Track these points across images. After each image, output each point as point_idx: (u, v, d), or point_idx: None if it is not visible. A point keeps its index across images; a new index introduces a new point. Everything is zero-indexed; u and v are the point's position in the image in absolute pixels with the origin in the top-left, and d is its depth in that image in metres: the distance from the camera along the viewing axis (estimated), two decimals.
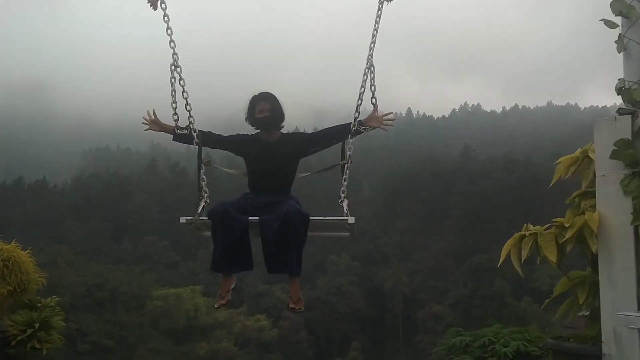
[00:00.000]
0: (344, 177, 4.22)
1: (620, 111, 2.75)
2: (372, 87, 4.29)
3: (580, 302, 2.94)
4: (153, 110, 4.47)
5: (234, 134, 4.52)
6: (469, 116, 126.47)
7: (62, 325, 4.11)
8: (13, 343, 3.90)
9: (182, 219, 4.18)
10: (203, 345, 39.26)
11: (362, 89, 4.27)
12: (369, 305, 51.20)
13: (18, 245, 4.15)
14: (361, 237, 49.20)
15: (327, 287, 49.55)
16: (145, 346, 38.04)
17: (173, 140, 4.44)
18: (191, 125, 4.34)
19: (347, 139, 4.27)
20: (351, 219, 3.96)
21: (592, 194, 2.89)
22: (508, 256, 3.00)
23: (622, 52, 2.81)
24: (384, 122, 4.29)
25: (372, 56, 4.30)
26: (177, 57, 4.31)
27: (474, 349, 4.10)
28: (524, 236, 2.93)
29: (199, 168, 4.35)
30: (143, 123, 4.47)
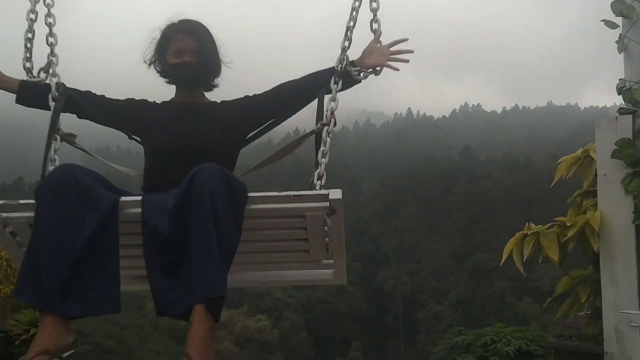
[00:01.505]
0: (322, 149, 2.29)
1: (621, 111, 2.78)
2: (374, 3, 2.51)
3: (582, 301, 2.96)
4: None
5: (130, 98, 2.64)
6: (469, 116, 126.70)
7: None
8: (17, 342, 3.91)
9: None
10: None
11: (352, 23, 2.52)
12: (370, 306, 51.27)
13: None
14: (361, 237, 49.31)
15: (327, 288, 49.55)
16: (146, 347, 38.10)
17: (17, 101, 2.62)
18: (51, 70, 2.57)
19: (331, 90, 2.44)
20: (335, 193, 2.03)
21: (593, 193, 2.92)
22: (509, 256, 3.03)
23: (622, 53, 2.84)
24: (392, 57, 2.53)
25: None
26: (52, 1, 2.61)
27: (475, 348, 4.11)
28: (526, 235, 2.95)
29: (49, 141, 2.46)
30: None
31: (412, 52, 2.58)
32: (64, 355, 2.16)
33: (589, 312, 3.09)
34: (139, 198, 2.06)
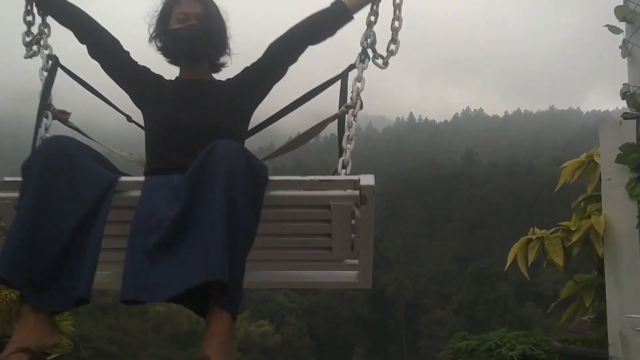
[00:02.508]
0: (347, 134, 2.06)
1: (625, 116, 2.79)
2: None
3: (587, 305, 2.96)
4: None
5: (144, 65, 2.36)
6: (471, 120, 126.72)
7: (71, 331, 4.14)
8: None
9: None
10: None
11: None
12: (372, 310, 51.19)
13: None
14: None
15: (330, 292, 49.49)
16: (148, 352, 38.06)
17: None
18: (42, 41, 2.38)
19: (340, 21, 2.29)
20: (366, 178, 1.73)
21: (597, 198, 2.92)
22: (512, 260, 3.03)
23: (626, 58, 2.85)
24: None
25: None
26: None
27: (479, 352, 4.11)
28: (530, 240, 2.95)
29: (40, 118, 2.24)
30: None
31: None
32: (48, 359, 1.72)
33: (592, 316, 3.10)
34: (141, 178, 1.78)
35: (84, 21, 2.34)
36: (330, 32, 2.33)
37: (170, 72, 2.39)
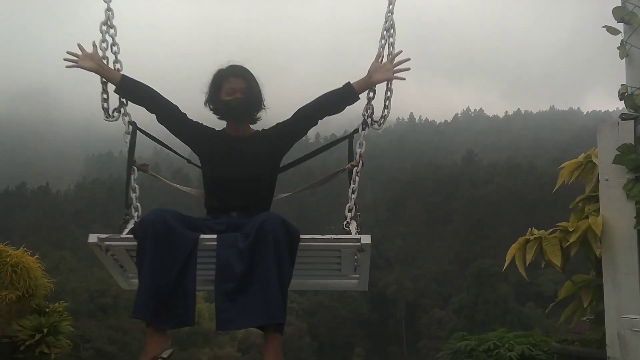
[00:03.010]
0: (352, 187, 2.93)
1: (623, 116, 2.79)
2: (391, 48, 3.07)
3: (585, 306, 2.97)
4: (93, 42, 3.09)
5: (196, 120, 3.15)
6: (471, 121, 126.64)
7: (70, 331, 4.15)
8: (22, 348, 3.93)
9: (93, 237, 2.74)
10: (206, 351, 39.25)
11: (380, 59, 3.07)
12: (372, 311, 51.16)
13: (26, 251, 4.19)
14: None
15: (330, 293, 49.45)
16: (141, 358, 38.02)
17: (117, 91, 3.07)
18: (122, 110, 3.11)
19: (349, 103, 3.06)
20: (365, 238, 2.68)
21: (595, 199, 2.92)
22: (512, 261, 3.03)
23: (624, 59, 2.85)
24: (396, 69, 3.03)
25: (392, 13, 3.13)
26: (112, 14, 3.18)
27: (478, 353, 4.11)
28: (528, 240, 2.95)
29: (129, 173, 3.04)
30: (66, 59, 3.06)
31: (409, 59, 3.04)
32: (165, 355, 2.66)
33: (591, 317, 3.10)
34: (215, 236, 2.67)
35: (154, 101, 3.09)
36: (340, 110, 3.12)
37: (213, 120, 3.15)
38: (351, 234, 2.86)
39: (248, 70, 3.08)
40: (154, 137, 3.17)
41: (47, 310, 4.12)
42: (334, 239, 2.71)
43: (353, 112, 3.30)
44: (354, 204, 2.93)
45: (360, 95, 3.08)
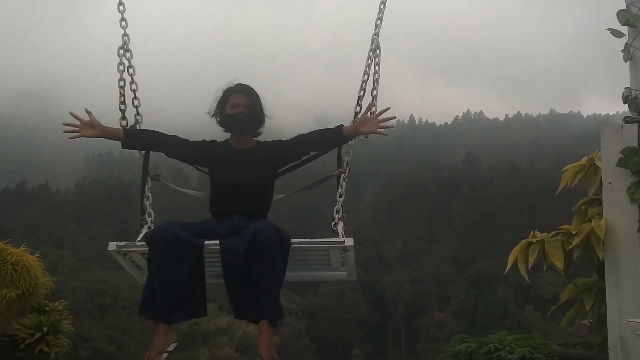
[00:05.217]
0: (340, 191, 3.33)
1: (627, 119, 2.79)
2: (376, 75, 3.44)
3: (587, 309, 2.96)
4: (86, 109, 3.29)
5: (196, 140, 3.51)
6: (471, 123, 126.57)
7: (70, 329, 4.14)
8: (21, 346, 3.92)
9: (112, 245, 3.15)
10: (205, 352, 39.20)
11: (366, 76, 3.44)
12: (371, 312, 51.12)
13: (26, 250, 4.18)
14: (364, 243, 49.25)
15: (329, 294, 49.47)
16: (147, 352, 37.99)
17: (123, 146, 3.39)
18: (137, 126, 3.48)
19: (339, 145, 3.43)
20: (349, 241, 3.04)
21: (598, 202, 2.92)
22: (513, 263, 3.02)
23: (628, 62, 2.85)
24: (381, 125, 3.36)
25: (378, 35, 3.47)
26: (128, 39, 3.45)
27: (479, 355, 4.10)
28: (530, 243, 2.95)
29: (143, 183, 3.46)
30: (66, 131, 3.28)
31: (394, 117, 3.41)
32: (170, 349, 3.01)
33: (592, 320, 3.09)
34: (217, 242, 3.04)
35: (158, 142, 3.43)
36: (328, 151, 3.49)
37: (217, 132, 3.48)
38: (338, 234, 3.22)
39: (252, 89, 3.44)
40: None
41: (47, 309, 4.11)
42: (321, 242, 3.10)
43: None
44: (341, 207, 3.30)
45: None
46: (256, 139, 3.49)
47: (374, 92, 3.46)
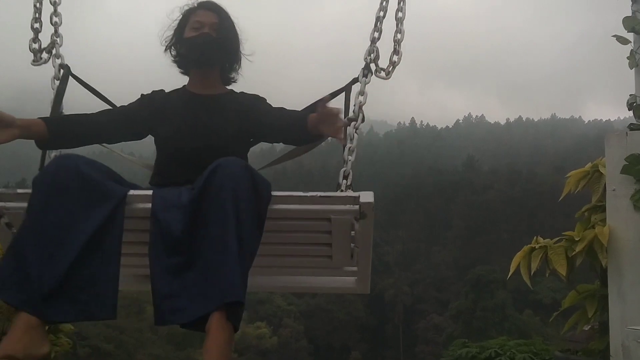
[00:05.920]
0: (349, 146, 2.06)
1: (632, 127, 2.78)
2: (400, 14, 2.36)
3: (590, 316, 2.95)
4: None
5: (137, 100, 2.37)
6: (472, 127, 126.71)
7: (70, 329, 4.12)
8: None
9: None
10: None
11: (382, 13, 2.33)
12: (370, 315, 51.09)
13: None
14: None
15: (328, 295, 49.36)
16: (145, 351, 38.03)
17: (43, 146, 2.27)
18: (54, 50, 2.46)
19: (302, 140, 2.28)
20: (366, 196, 1.85)
21: (602, 208, 2.91)
22: (515, 268, 3.02)
23: (634, 69, 2.84)
24: (338, 127, 2.04)
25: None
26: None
27: None
28: (533, 249, 2.94)
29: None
30: None
31: (340, 110, 2.10)
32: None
33: (590, 326, 3.09)
34: (150, 192, 1.85)
35: (92, 134, 2.31)
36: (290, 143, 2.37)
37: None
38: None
39: (224, 8, 2.36)
40: (89, 86, 2.52)
41: None
42: (320, 197, 1.83)
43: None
44: (351, 170, 2.04)
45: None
46: (229, 87, 2.40)
47: (398, 35, 2.35)
